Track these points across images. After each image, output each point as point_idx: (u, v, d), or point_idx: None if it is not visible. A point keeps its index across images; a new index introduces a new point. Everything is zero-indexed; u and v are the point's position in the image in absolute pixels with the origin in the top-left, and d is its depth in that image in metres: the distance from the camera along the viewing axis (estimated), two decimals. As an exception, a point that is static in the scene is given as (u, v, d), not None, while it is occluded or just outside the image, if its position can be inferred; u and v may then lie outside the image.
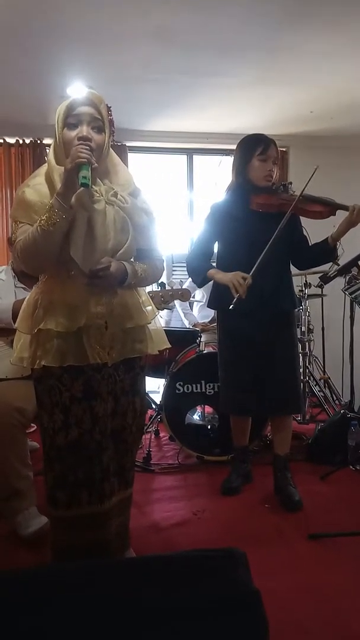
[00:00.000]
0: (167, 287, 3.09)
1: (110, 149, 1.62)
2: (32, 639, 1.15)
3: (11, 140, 4.40)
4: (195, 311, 4.08)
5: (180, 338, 3.23)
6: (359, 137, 4.70)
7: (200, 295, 4.01)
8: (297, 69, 3.42)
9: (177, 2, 2.64)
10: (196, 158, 4.99)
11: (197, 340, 3.16)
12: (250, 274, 2.12)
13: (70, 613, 1.20)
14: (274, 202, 2.24)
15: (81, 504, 1.53)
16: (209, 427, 2.91)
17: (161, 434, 3.44)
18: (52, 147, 1.57)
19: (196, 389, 2.91)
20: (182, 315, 3.97)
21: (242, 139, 2.35)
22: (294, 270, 2.47)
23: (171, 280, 4.51)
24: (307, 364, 3.57)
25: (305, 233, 2.40)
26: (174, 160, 5.04)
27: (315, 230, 2.41)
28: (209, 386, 2.90)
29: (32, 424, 2.35)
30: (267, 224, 2.18)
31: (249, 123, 4.15)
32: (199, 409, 2.98)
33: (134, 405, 1.68)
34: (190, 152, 4.96)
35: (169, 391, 2.93)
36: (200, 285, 2.49)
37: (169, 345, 1.75)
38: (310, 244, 2.38)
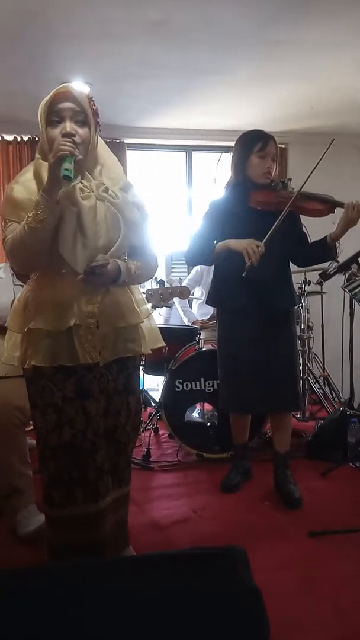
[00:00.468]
0: (166, 285, 3.09)
1: (101, 141, 1.60)
2: (31, 638, 1.15)
3: (9, 137, 4.39)
4: (195, 308, 4.07)
5: (180, 335, 3.23)
6: (359, 135, 4.68)
7: (199, 292, 4.01)
8: (297, 64, 3.41)
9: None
10: (195, 155, 4.97)
11: (197, 338, 3.15)
12: (263, 242, 2.12)
13: (70, 612, 1.20)
14: (273, 200, 2.23)
15: (76, 503, 1.52)
16: (208, 424, 2.91)
17: (160, 432, 3.43)
18: (39, 144, 1.56)
19: (195, 386, 2.91)
20: (181, 312, 3.96)
21: (241, 136, 2.33)
22: (293, 267, 2.46)
23: (170, 278, 4.51)
24: (306, 362, 3.57)
25: (305, 230, 2.39)
26: (173, 157, 5.02)
27: (315, 228, 2.40)
28: (209, 383, 2.89)
29: (32, 422, 2.35)
30: (266, 221, 2.17)
31: (249, 119, 4.12)
32: (198, 407, 2.98)
33: (128, 404, 1.66)
34: (189, 149, 4.94)
35: (168, 389, 2.93)
36: (211, 264, 2.44)
37: (163, 344, 1.73)
38: (310, 242, 2.37)
